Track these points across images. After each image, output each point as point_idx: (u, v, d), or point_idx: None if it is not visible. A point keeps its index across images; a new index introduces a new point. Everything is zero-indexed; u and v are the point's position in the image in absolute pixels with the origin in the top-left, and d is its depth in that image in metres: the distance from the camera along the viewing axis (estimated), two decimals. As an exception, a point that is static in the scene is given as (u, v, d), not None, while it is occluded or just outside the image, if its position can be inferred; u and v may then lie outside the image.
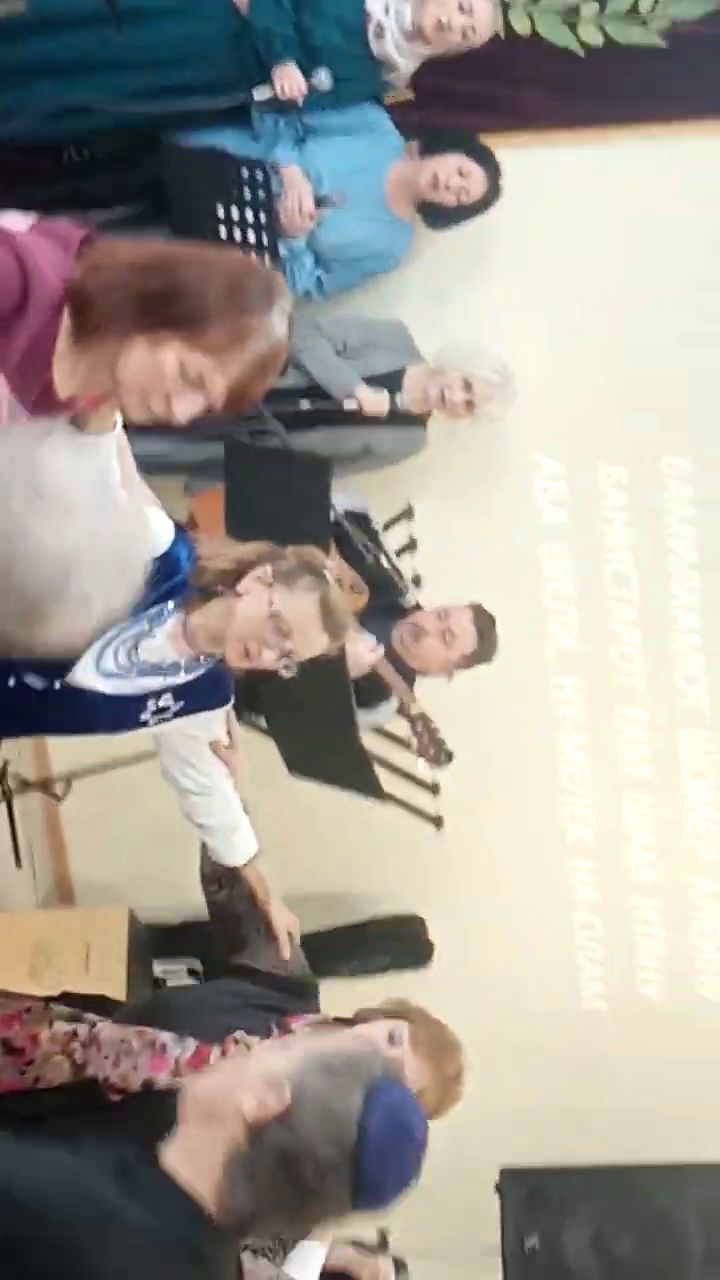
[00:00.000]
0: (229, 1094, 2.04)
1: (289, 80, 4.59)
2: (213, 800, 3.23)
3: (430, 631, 4.68)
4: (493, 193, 4.89)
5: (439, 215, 4.95)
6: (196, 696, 3.08)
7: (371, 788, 4.65)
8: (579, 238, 5.19)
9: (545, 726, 5.58)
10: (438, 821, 5.25)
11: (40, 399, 2.42)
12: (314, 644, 2.97)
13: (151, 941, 5.36)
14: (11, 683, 2.95)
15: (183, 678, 3.00)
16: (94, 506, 2.10)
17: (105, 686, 2.91)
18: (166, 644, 2.94)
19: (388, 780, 4.95)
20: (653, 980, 5.73)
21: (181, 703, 3.06)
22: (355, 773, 4.54)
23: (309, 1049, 2.09)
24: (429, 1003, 5.06)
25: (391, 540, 5.11)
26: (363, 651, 4.41)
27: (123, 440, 2.79)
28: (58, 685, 2.93)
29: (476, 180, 4.86)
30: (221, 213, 4.34)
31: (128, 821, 5.33)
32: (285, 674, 2.99)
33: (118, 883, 5.59)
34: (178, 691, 3.03)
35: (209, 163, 4.48)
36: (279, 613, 2.91)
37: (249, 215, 4.41)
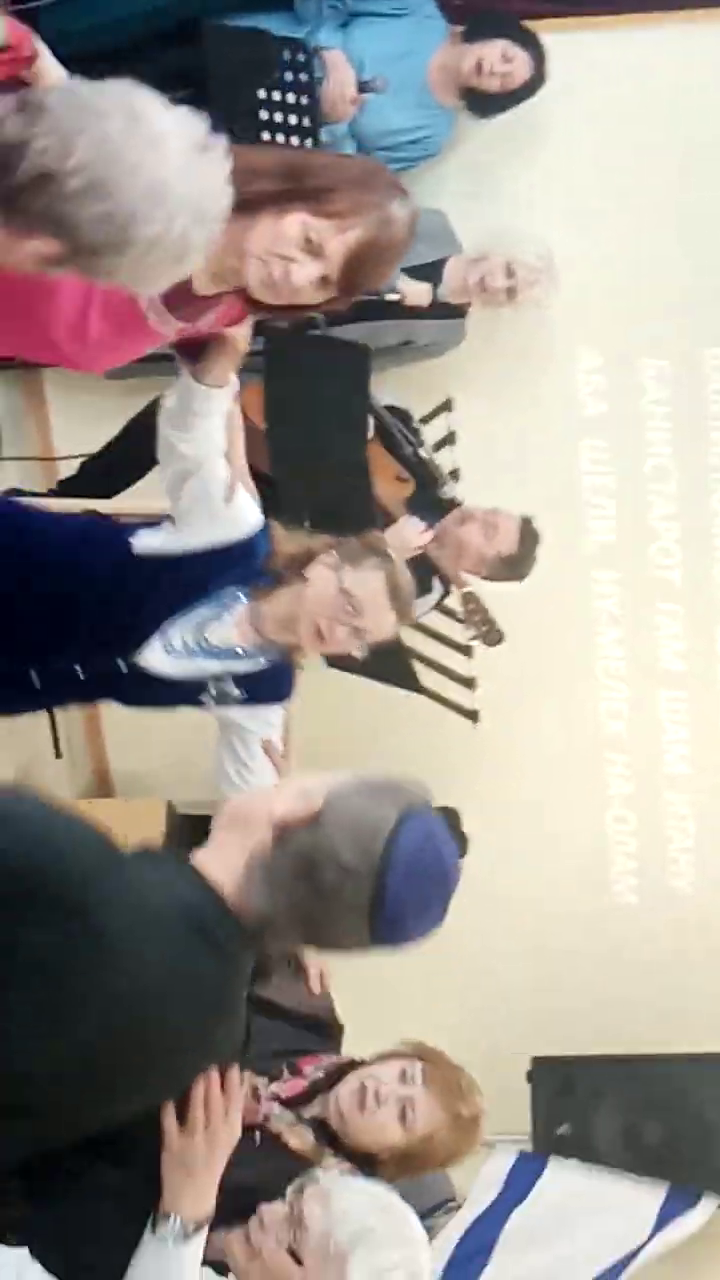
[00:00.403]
0: (263, 802, 2.04)
1: None
2: None
3: (477, 519, 4.66)
4: (537, 79, 4.82)
5: (483, 102, 4.89)
6: (259, 689, 3.17)
7: (408, 680, 4.66)
8: (624, 125, 5.12)
9: (582, 621, 5.58)
10: (473, 715, 5.24)
11: (176, 288, 2.43)
12: (384, 622, 3.09)
13: (188, 831, 5.40)
14: (79, 670, 3.10)
15: (243, 666, 3.10)
16: None
17: (170, 668, 3.06)
18: (233, 629, 3.08)
19: (423, 674, 4.96)
20: (685, 874, 5.76)
21: (243, 692, 3.15)
22: (392, 664, 4.53)
23: (351, 772, 2.07)
24: (461, 895, 5.10)
25: (430, 433, 5.07)
26: (411, 534, 4.41)
27: (236, 417, 3.00)
28: (125, 669, 3.08)
29: (521, 65, 4.78)
30: (263, 94, 4.28)
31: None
32: (358, 655, 3.10)
33: (155, 773, 5.63)
34: (239, 680, 3.14)
35: (251, 44, 4.41)
36: (349, 590, 3.02)
37: (290, 98, 4.35)
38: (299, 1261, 2.36)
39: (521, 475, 5.27)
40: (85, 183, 2.03)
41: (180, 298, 2.55)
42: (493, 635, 4.65)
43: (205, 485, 3.06)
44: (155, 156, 2.06)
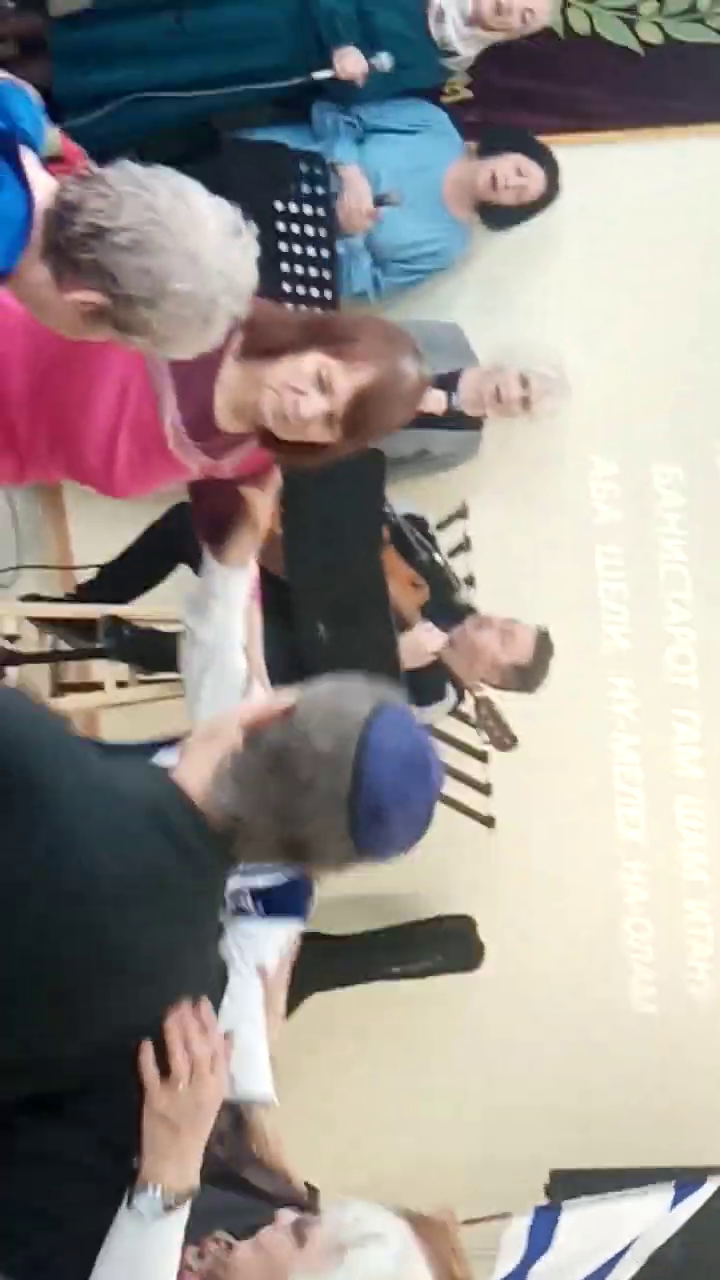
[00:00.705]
0: (231, 714, 2.02)
1: (350, 61, 4.61)
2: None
3: (494, 626, 4.66)
4: (550, 192, 4.90)
5: (497, 215, 4.97)
6: (277, 903, 3.04)
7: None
8: (636, 236, 5.18)
9: (598, 727, 5.56)
10: (489, 821, 5.22)
11: (199, 418, 2.67)
12: None
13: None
14: None
15: (263, 880, 2.95)
16: None
17: None
18: None
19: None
20: (705, 983, 5.69)
21: (260, 906, 3.01)
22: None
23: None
24: (478, 1004, 5.06)
25: (446, 540, 5.10)
26: (427, 640, 4.41)
27: (255, 613, 3.03)
28: None
29: (535, 179, 4.87)
30: (280, 206, 4.35)
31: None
32: None
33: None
34: (257, 894, 2.99)
35: (268, 157, 4.48)
36: None
37: (307, 210, 4.41)
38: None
39: (536, 582, 5.28)
40: (131, 240, 2.25)
41: (203, 429, 2.68)
42: (506, 740, 4.63)
43: (222, 676, 3.00)
44: (195, 229, 2.28)
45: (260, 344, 2.65)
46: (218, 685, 3.00)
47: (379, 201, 4.72)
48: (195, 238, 2.27)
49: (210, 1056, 2.04)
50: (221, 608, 3.00)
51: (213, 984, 2.12)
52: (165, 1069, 2.02)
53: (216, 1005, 2.11)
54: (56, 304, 2.36)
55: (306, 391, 2.59)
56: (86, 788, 1.90)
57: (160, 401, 2.70)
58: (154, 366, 2.68)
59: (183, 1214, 2.04)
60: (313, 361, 2.60)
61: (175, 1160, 2.03)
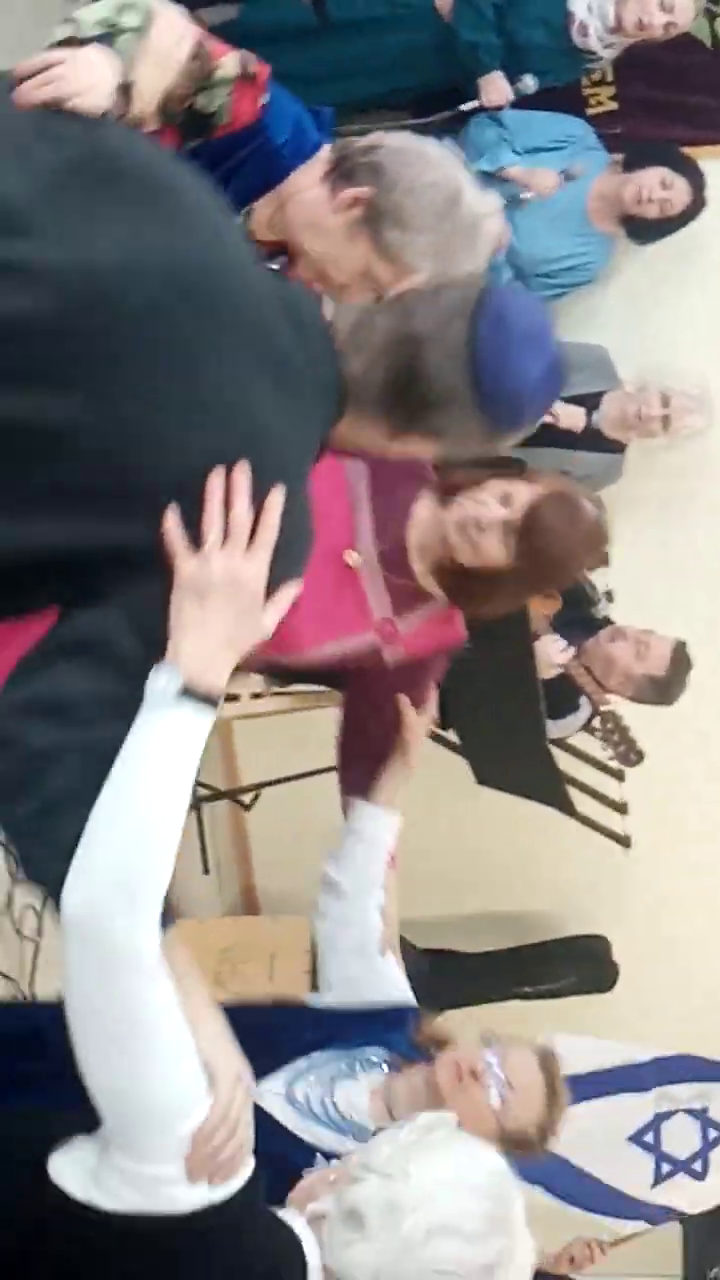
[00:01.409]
0: None
1: (495, 89, 4.64)
2: None
3: (629, 637, 4.61)
4: (697, 205, 4.86)
5: (642, 229, 4.93)
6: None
7: (561, 799, 4.59)
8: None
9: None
10: (625, 841, 5.16)
11: (394, 551, 2.81)
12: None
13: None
14: None
15: (354, 1146, 2.60)
16: None
17: (285, 1116, 2.65)
18: (365, 1096, 2.70)
19: (575, 798, 4.89)
20: None
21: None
22: (546, 783, 4.47)
23: None
24: (611, 1027, 5.00)
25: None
26: (553, 652, 4.37)
27: (392, 879, 2.94)
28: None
29: (680, 192, 4.82)
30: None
31: (313, 830, 5.34)
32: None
33: (301, 892, 5.60)
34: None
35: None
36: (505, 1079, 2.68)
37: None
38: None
39: (676, 599, 5.22)
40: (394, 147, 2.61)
41: (396, 564, 2.80)
42: (632, 756, 4.56)
43: (359, 933, 2.89)
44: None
45: (449, 481, 2.78)
46: (353, 945, 2.89)
47: (567, 176, 4.69)
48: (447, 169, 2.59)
49: (249, 528, 1.90)
50: (364, 850, 2.91)
51: (300, 521, 1.99)
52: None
53: (300, 552, 2.01)
54: (325, 218, 2.60)
55: (488, 503, 2.70)
56: None
57: (355, 527, 2.80)
58: (355, 491, 2.80)
59: (199, 717, 1.87)
60: (496, 485, 2.72)
61: (195, 636, 1.87)
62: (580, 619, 4.67)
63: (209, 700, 1.87)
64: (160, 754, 1.85)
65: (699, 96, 5.01)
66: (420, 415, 2.04)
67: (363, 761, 2.96)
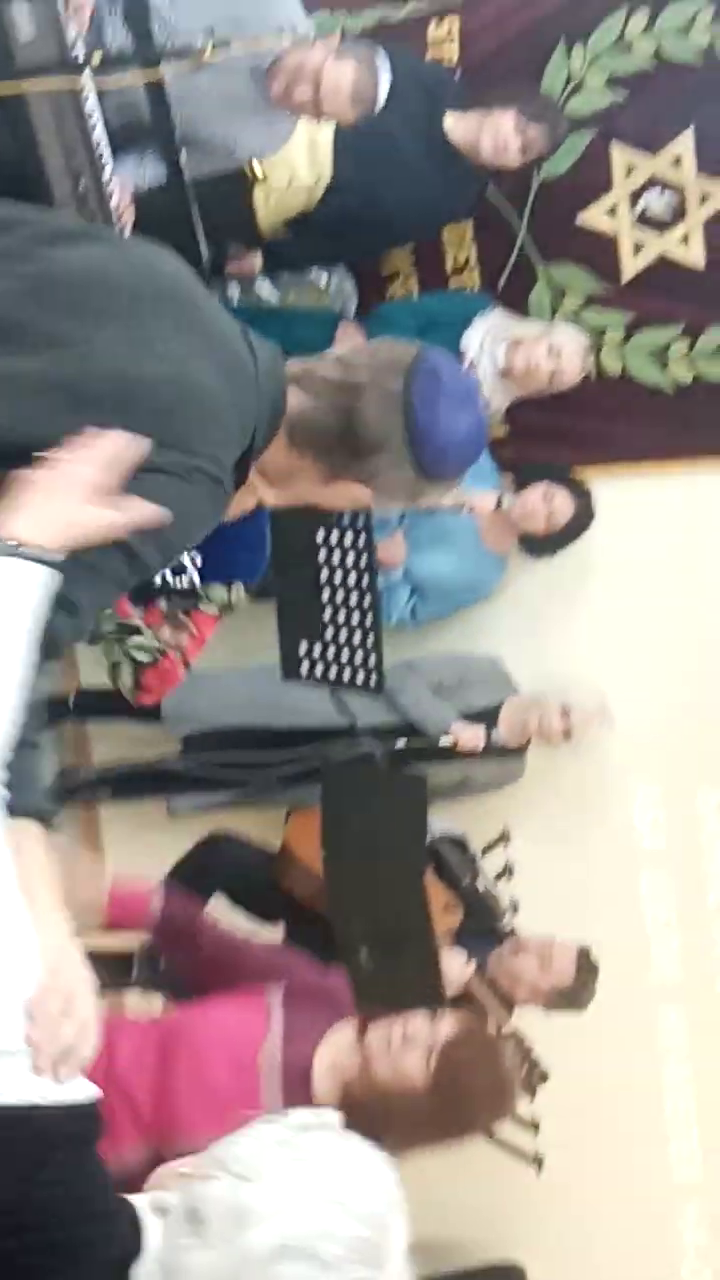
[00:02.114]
0: None
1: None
2: None
3: (531, 952, 4.57)
4: (584, 516, 4.99)
5: (535, 544, 5.07)
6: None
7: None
8: (672, 565, 5.26)
9: (649, 1061, 5.39)
10: (538, 1161, 5.01)
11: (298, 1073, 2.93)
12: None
13: None
14: None
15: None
16: None
17: None
18: None
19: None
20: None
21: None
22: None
23: None
24: None
25: (489, 865, 5.04)
26: (455, 968, 4.31)
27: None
28: None
29: (562, 502, 4.97)
30: (321, 537, 4.45)
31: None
32: None
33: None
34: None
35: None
36: None
37: (348, 539, 4.51)
38: None
39: (582, 908, 5.19)
40: None
41: (296, 1084, 2.92)
42: (535, 1076, 4.48)
43: None
44: None
45: (367, 1016, 2.97)
46: None
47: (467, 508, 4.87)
48: None
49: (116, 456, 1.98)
50: None
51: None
52: None
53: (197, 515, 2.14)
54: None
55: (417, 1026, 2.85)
56: None
57: (267, 1033, 2.93)
58: (271, 1005, 3.01)
59: (28, 568, 1.89)
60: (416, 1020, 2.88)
61: (28, 511, 1.91)
62: (476, 929, 4.64)
63: (40, 561, 1.91)
64: None
65: (586, 421, 5.19)
66: (355, 460, 2.21)
67: None
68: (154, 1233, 1.76)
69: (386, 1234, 1.73)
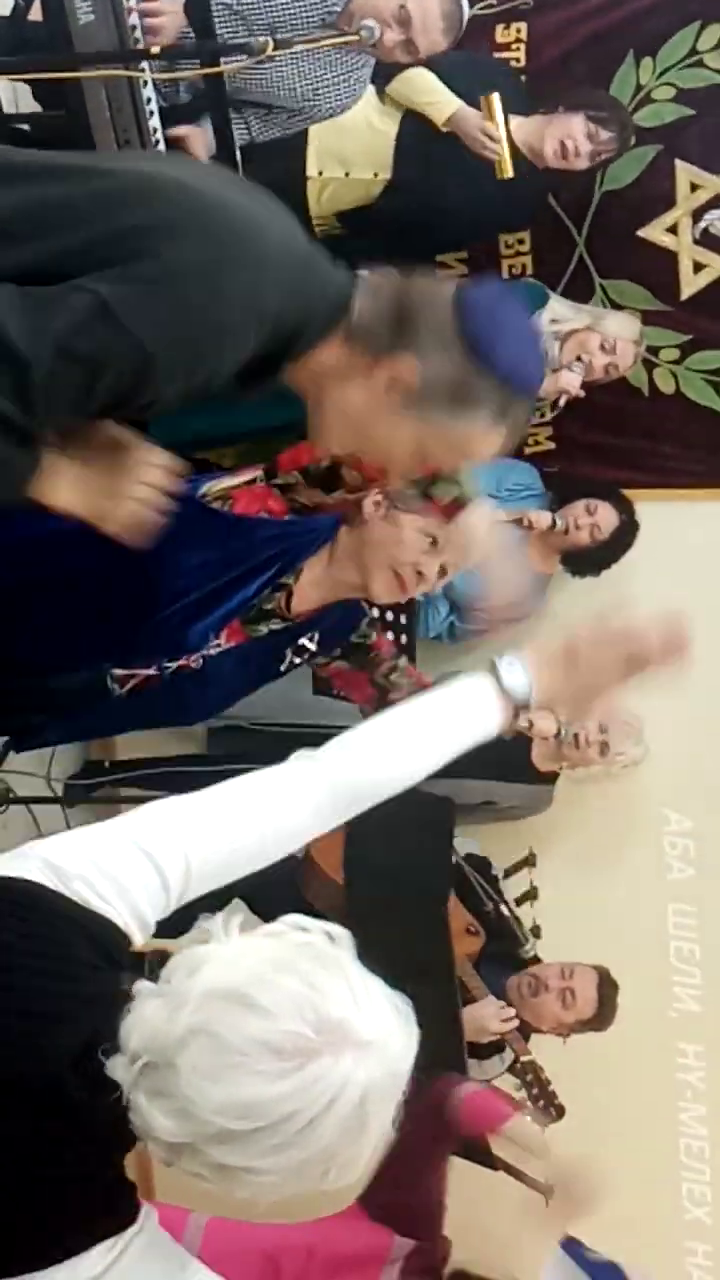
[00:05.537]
0: None
1: None
2: None
3: (551, 989, 4.48)
4: (627, 531, 4.87)
5: (578, 562, 4.96)
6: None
7: (485, 1156, 4.40)
8: (713, 595, 5.14)
9: (665, 1094, 5.31)
10: (549, 1192, 4.93)
11: None
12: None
13: None
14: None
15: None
16: None
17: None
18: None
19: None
20: None
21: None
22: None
23: None
24: None
25: (512, 888, 4.95)
26: (490, 1016, 4.22)
27: None
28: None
29: (605, 514, 4.86)
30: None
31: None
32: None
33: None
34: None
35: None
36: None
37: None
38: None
39: (605, 936, 5.10)
40: None
41: None
42: (550, 1109, 4.39)
43: None
44: None
45: None
46: None
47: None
48: None
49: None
50: None
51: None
52: None
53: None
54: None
55: None
56: None
57: None
58: None
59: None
60: None
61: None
62: (498, 953, 4.55)
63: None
64: None
65: (636, 440, 5.10)
66: (404, 332, 2.24)
67: None
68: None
69: (345, 1016, 1.65)
